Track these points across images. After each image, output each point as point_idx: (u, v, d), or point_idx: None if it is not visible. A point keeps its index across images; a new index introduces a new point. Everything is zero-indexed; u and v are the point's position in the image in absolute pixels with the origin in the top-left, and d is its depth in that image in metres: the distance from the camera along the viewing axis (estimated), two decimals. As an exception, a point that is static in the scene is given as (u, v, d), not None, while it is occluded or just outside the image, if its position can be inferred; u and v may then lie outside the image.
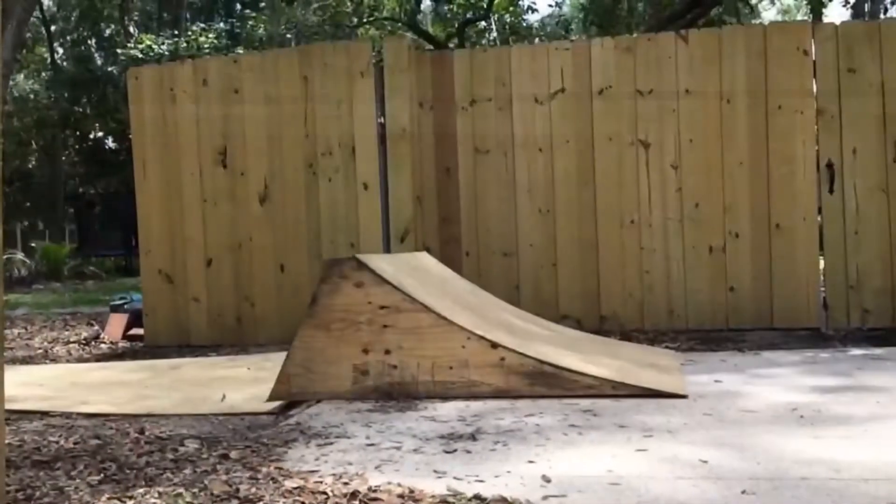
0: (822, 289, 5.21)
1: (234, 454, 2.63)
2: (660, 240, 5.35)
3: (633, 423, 2.85)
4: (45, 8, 23.48)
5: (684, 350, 4.54)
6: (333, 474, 2.38)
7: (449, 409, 3.18)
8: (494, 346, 3.37)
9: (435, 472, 2.38)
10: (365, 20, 16.84)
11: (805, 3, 14.28)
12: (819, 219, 5.25)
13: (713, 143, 5.27)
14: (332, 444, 2.74)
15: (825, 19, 12.70)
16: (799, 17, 25.05)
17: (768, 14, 27.02)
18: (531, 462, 2.43)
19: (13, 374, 4.38)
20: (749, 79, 5.21)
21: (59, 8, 25.03)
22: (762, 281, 5.20)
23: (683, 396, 3.23)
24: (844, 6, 12.96)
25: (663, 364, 3.88)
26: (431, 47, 14.06)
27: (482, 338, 3.38)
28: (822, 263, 5.21)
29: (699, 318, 5.28)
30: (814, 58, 5.14)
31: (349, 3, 16.07)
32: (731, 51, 5.24)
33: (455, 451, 2.59)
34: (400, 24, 16.17)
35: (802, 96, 5.15)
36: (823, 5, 12.67)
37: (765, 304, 5.19)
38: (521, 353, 3.37)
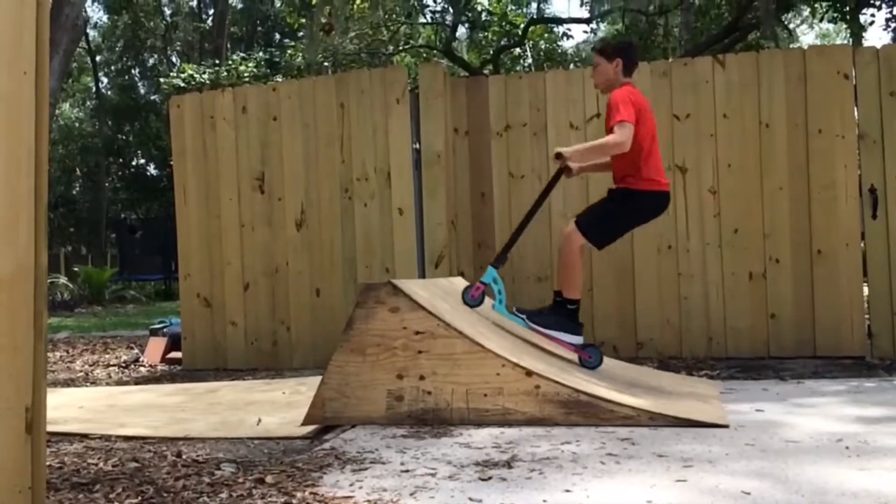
0: (867, 316, 5.08)
1: (269, 479, 2.63)
2: (698, 266, 5.28)
3: (672, 452, 2.80)
4: (90, 39, 24.19)
5: (724, 378, 4.45)
6: (368, 500, 2.36)
7: (484, 436, 3.15)
8: (529, 373, 3.34)
9: (470, 499, 2.35)
10: (401, 48, 17.05)
11: (844, 27, 14.14)
12: (862, 245, 5.14)
13: (752, 168, 5.21)
14: (366, 469, 2.73)
15: (865, 43, 12.55)
16: (838, 42, 24.78)
17: (807, 38, 26.78)
18: (568, 491, 2.40)
19: (55, 397, 4.46)
20: (788, 103, 5.16)
21: (104, 39, 25.77)
22: (804, 308, 5.09)
23: (724, 426, 3.16)
24: (885, 29, 12.78)
25: (702, 393, 3.81)
26: (467, 74, 14.17)
27: (517, 365, 3.36)
28: (865, 290, 5.09)
29: (739, 345, 5.19)
30: (854, 82, 5.07)
31: (386, 32, 16.30)
32: (769, 75, 5.19)
33: (490, 478, 2.56)
34: (435, 52, 16.33)
35: (843, 121, 5.08)
36: (864, 29, 12.53)
37: (807, 331, 5.08)
38: (556, 382, 3.33)
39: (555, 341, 3.94)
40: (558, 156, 3.96)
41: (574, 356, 3.93)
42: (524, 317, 4.00)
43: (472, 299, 4.07)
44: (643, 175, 3.93)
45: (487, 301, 4.46)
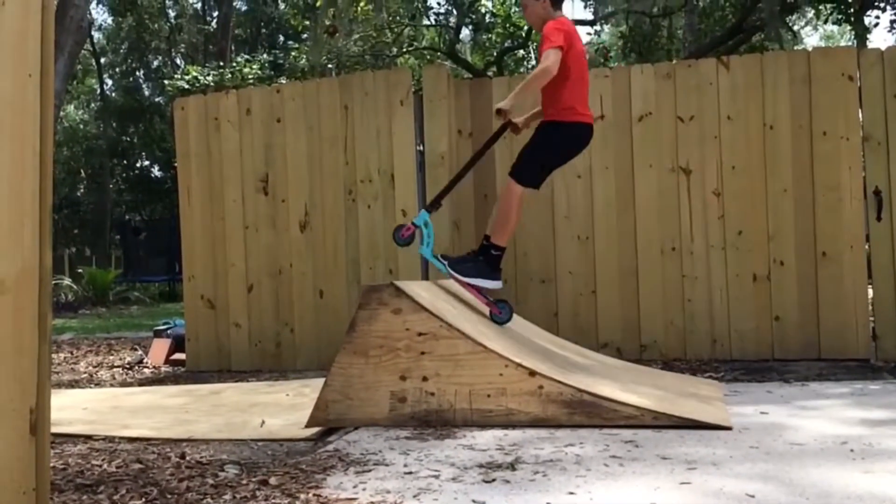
0: (871, 318, 5.07)
1: (273, 480, 2.63)
2: (702, 268, 5.27)
3: (676, 454, 2.79)
4: (95, 41, 24.25)
5: (728, 381, 4.45)
6: (371, 502, 2.36)
7: (487, 438, 3.15)
8: (532, 374, 3.34)
9: (473, 501, 2.35)
10: (405, 50, 17.07)
11: (849, 28, 14.12)
12: (867, 247, 5.13)
13: (756, 170, 5.21)
14: (370, 471, 2.73)
15: (869, 45, 12.53)
16: (842, 43, 24.75)
17: (811, 40, 26.75)
18: (571, 493, 2.39)
19: (59, 398, 4.47)
20: (792, 105, 5.15)
21: (108, 41, 25.84)
22: (808, 310, 5.08)
23: (728, 428, 3.15)
24: (890, 31, 12.76)
25: (705, 394, 3.80)
26: (470, 76, 14.18)
27: (520, 365, 3.36)
28: (870, 292, 5.08)
29: (743, 347, 5.18)
30: (859, 83, 5.06)
31: (389, 34, 16.31)
32: (773, 77, 5.19)
33: (494, 480, 2.56)
34: (439, 54, 16.34)
35: (848, 123, 5.07)
36: (868, 30, 12.52)
37: (811, 333, 5.07)
38: (559, 382, 3.33)
39: (472, 291, 4.02)
40: (499, 111, 3.99)
41: (488, 310, 4.00)
42: (446, 263, 4.08)
43: (401, 238, 4.17)
44: (565, 105, 3.99)
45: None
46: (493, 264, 4.04)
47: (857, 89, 5.07)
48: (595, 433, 3.15)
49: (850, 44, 19.39)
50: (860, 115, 5.08)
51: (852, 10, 12.17)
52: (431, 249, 4.13)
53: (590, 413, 3.27)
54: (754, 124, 5.22)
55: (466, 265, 4.05)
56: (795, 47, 15.84)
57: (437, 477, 2.62)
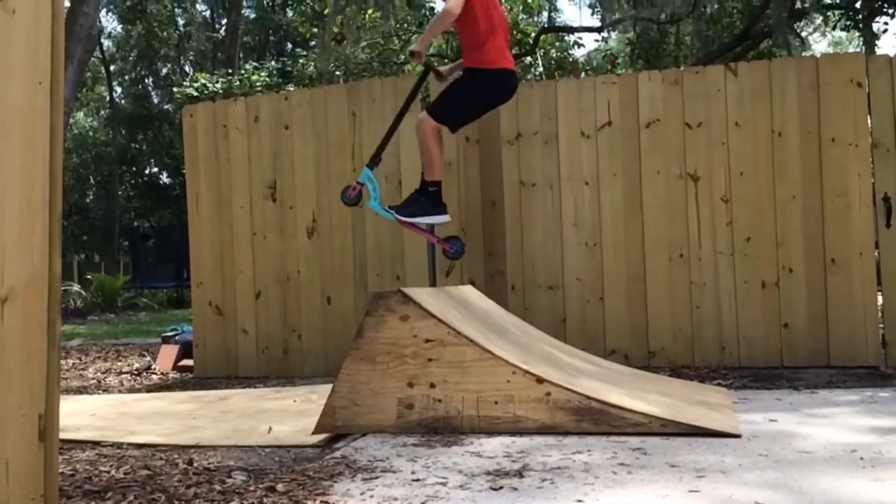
0: (881, 325, 5.04)
1: (280, 487, 2.63)
2: (710, 274, 5.26)
3: (684, 462, 2.78)
4: (104, 49, 24.40)
5: (737, 388, 4.43)
6: (378, 509, 2.36)
7: (495, 445, 3.14)
8: (540, 381, 3.33)
9: (480, 509, 2.34)
10: (412, 57, 17.08)
11: (857, 35, 14.09)
12: (876, 254, 5.11)
13: (764, 177, 5.19)
14: (377, 478, 2.73)
15: (878, 51, 12.50)
16: (851, 50, 24.70)
17: (819, 46, 26.70)
18: (579, 501, 2.39)
19: (67, 404, 4.48)
20: (801, 111, 5.14)
21: (118, 48, 26.00)
22: (817, 317, 5.06)
23: (737, 436, 3.14)
24: (899, 37, 12.72)
25: (714, 402, 3.78)
26: (478, 83, 14.16)
27: (527, 372, 3.35)
28: (879, 299, 5.06)
29: (752, 355, 5.16)
30: (868, 90, 5.05)
31: (397, 41, 16.36)
32: (781, 83, 5.18)
33: (501, 488, 2.55)
34: (446, 61, 16.37)
35: (856, 129, 5.05)
36: (877, 37, 12.48)
37: (820, 341, 5.05)
38: (567, 389, 3.32)
39: (418, 231, 4.25)
40: (412, 53, 4.23)
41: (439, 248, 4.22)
42: (393, 212, 4.28)
43: (349, 199, 4.45)
44: (484, 54, 4.11)
45: (496, 306, 4.46)
46: (434, 200, 4.22)
47: (866, 95, 5.05)
48: (603, 440, 3.14)
49: (858, 50, 19.34)
50: (869, 121, 5.07)
51: (860, 16, 12.14)
52: (379, 202, 4.35)
53: (598, 420, 3.26)
54: (762, 131, 5.21)
55: (411, 208, 4.24)
56: (803, 54, 15.81)
57: (444, 484, 2.62)
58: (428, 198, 4.22)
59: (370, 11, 14.78)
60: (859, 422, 3.39)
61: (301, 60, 16.13)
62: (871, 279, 5.03)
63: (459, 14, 4.05)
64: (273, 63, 16.00)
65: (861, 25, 12.29)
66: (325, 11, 14.47)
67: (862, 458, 2.75)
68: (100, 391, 5.51)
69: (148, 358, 6.84)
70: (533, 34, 15.53)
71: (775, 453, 2.87)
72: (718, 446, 2.99)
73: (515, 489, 2.53)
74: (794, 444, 2.99)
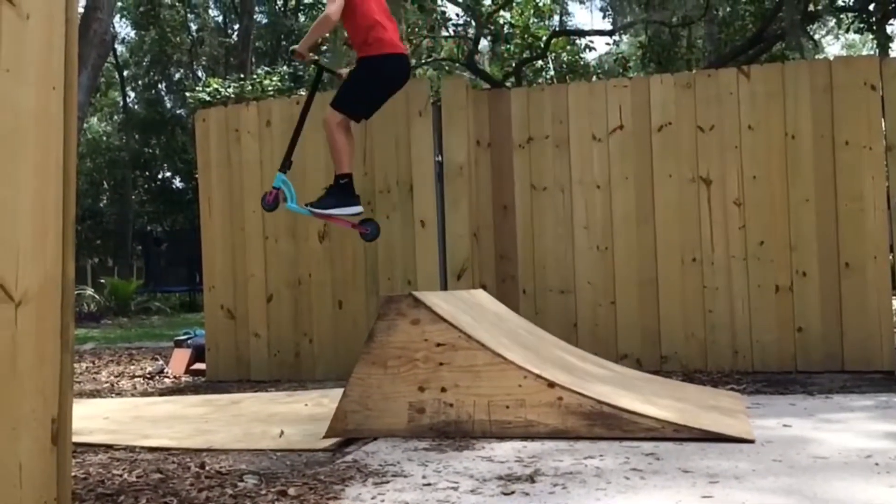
0: (896, 330, 5.00)
1: (291, 491, 2.63)
2: (723, 278, 5.23)
3: (697, 467, 2.76)
4: (118, 54, 24.57)
5: (750, 393, 4.40)
6: (389, 514, 2.36)
7: (506, 450, 3.13)
8: (552, 385, 3.32)
9: (492, 514, 2.33)
10: (423, 61, 17.13)
11: (871, 37, 14.00)
12: (891, 257, 5.06)
13: (778, 180, 5.16)
14: (388, 482, 2.72)
15: (891, 53, 12.41)
16: (864, 52, 24.54)
17: (832, 49, 26.55)
18: (591, 506, 2.37)
19: (80, 408, 4.50)
20: (814, 114, 5.11)
21: (131, 54, 26.16)
22: (832, 322, 5.02)
23: (750, 441, 3.12)
24: (913, 39, 12.64)
25: (727, 407, 3.76)
26: (489, 86, 14.20)
27: (539, 377, 3.34)
28: (895, 303, 5.01)
29: (765, 359, 5.12)
30: (881, 92, 5.01)
31: (408, 45, 16.38)
32: (794, 86, 5.15)
33: (513, 492, 2.54)
34: (458, 65, 16.39)
35: (870, 132, 5.02)
36: (890, 39, 12.41)
37: (835, 345, 5.01)
38: (579, 393, 3.31)
39: (335, 220, 4.42)
40: (295, 53, 4.49)
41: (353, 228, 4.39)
42: (309, 208, 4.46)
43: (268, 205, 4.67)
44: (372, 43, 4.31)
45: (507, 310, 4.45)
46: (346, 192, 4.40)
47: (880, 98, 5.02)
48: (615, 445, 3.12)
49: (871, 53, 19.21)
50: (882, 124, 5.03)
51: (874, 18, 12.07)
52: (295, 202, 4.54)
53: (610, 425, 3.24)
54: (775, 134, 5.18)
55: (323, 201, 4.42)
56: (816, 56, 15.73)
57: (455, 489, 2.61)
58: (340, 190, 4.40)
59: (381, 16, 14.78)
60: (874, 427, 3.36)
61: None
62: (886, 283, 4.98)
63: (344, 12, 4.31)
64: (285, 68, 16.05)
65: (875, 28, 12.22)
66: (337, 16, 14.48)
67: (877, 464, 2.73)
68: (113, 395, 5.54)
69: (160, 361, 6.87)
70: (544, 38, 15.52)
71: (789, 459, 2.85)
72: (732, 452, 2.97)
73: (527, 494, 2.52)
74: (808, 450, 2.97)
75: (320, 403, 4.40)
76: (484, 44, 17.56)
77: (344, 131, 4.44)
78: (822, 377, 4.82)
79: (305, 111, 4.70)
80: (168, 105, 25.51)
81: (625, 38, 19.15)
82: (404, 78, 4.59)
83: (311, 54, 4.62)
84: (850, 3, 12.76)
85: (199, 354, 6.32)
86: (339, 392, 3.67)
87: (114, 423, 4.10)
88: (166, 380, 6.16)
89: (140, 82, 26.16)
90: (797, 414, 3.69)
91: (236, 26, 23.31)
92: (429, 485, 2.67)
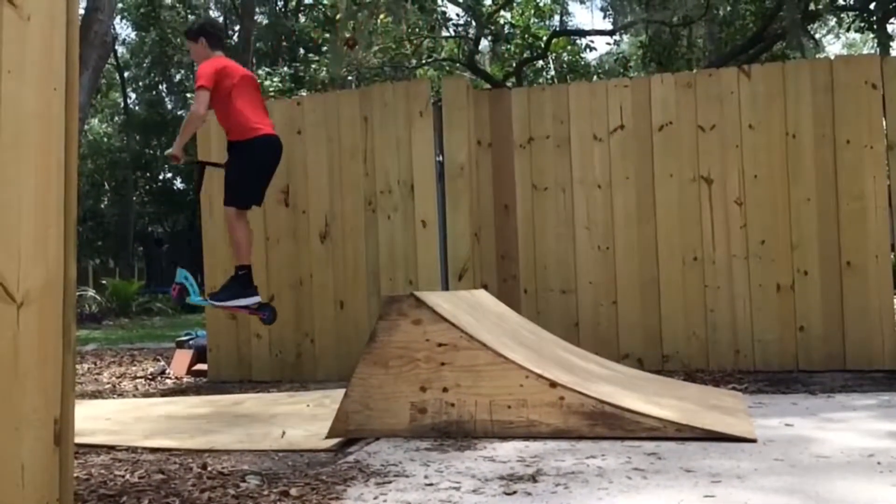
0: (898, 329, 5.00)
1: (293, 491, 2.63)
2: (724, 277, 5.23)
3: (699, 467, 2.76)
4: (119, 55, 24.58)
5: (752, 392, 4.40)
6: (391, 514, 2.36)
7: (508, 449, 3.13)
8: (553, 384, 3.32)
9: (494, 513, 2.33)
10: (424, 61, 17.13)
11: (872, 36, 13.99)
12: (892, 256, 5.06)
13: (779, 179, 5.16)
14: (390, 482, 2.72)
15: (892, 52, 12.41)
16: (865, 51, 24.53)
17: (833, 48, 26.54)
18: (593, 506, 2.37)
19: (82, 409, 4.51)
20: (815, 113, 5.11)
21: (132, 55, 26.18)
22: (833, 321, 5.02)
23: (752, 440, 3.11)
24: (914, 38, 12.63)
25: (729, 406, 3.76)
26: (489, 86, 14.20)
27: (541, 376, 3.34)
28: (896, 302, 5.01)
29: (767, 358, 5.12)
30: (882, 91, 5.01)
31: (409, 46, 16.39)
32: (795, 85, 5.15)
33: (515, 492, 2.54)
34: (458, 65, 16.39)
35: (872, 131, 5.02)
36: (891, 38, 12.40)
37: (836, 344, 5.01)
38: (580, 393, 3.31)
39: (234, 310, 4.50)
40: (171, 157, 4.65)
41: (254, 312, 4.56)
42: (210, 300, 4.60)
43: (176, 300, 4.86)
44: (241, 127, 4.44)
45: (508, 310, 4.45)
46: (244, 283, 4.52)
47: (881, 97, 5.02)
48: (617, 445, 3.12)
49: (872, 52, 19.20)
50: (884, 123, 5.03)
51: (875, 17, 12.07)
52: (197, 294, 4.69)
53: (611, 425, 3.24)
54: (776, 133, 5.18)
55: (222, 294, 4.54)
56: (817, 55, 15.72)
57: (457, 489, 2.61)
58: (238, 281, 4.52)
59: (381, 16, 14.82)
60: (876, 426, 3.36)
61: (313, 66, 16.19)
62: (888, 282, 4.98)
63: (213, 102, 4.51)
64: (286, 68, 16.06)
65: (875, 27, 12.21)
66: (337, 17, 14.52)
67: (879, 463, 2.73)
68: (114, 396, 5.54)
69: (162, 362, 6.87)
70: (545, 38, 15.53)
71: (791, 458, 2.85)
72: (734, 451, 2.96)
73: (529, 494, 2.52)
74: (810, 449, 2.97)
75: (322, 404, 4.40)
76: (484, 44, 17.56)
77: (242, 223, 4.55)
78: (823, 376, 4.82)
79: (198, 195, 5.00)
80: (169, 106, 25.54)
81: (625, 37, 19.15)
82: (277, 155, 4.77)
83: (185, 155, 4.83)
84: (851, 2, 12.76)
85: (200, 355, 6.32)
86: (340, 392, 3.67)
87: (116, 424, 4.10)
88: (168, 381, 6.16)
89: (141, 83, 26.18)
90: (799, 413, 3.69)
91: (237, 27, 23.31)
92: (431, 485, 2.67)
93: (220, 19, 25.44)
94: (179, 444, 3.50)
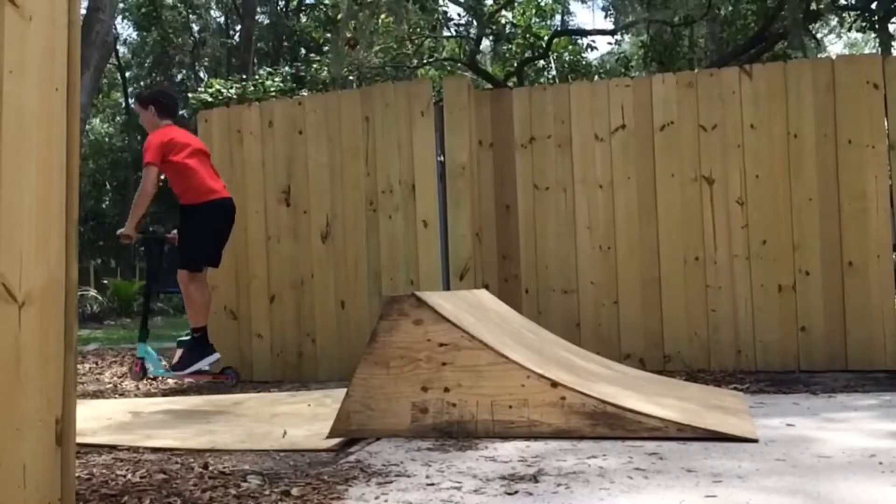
0: (900, 329, 4.99)
1: (295, 491, 2.63)
2: (726, 277, 5.22)
3: (701, 467, 2.76)
4: (120, 55, 24.59)
5: (753, 392, 4.39)
6: (393, 514, 2.36)
7: (509, 449, 3.13)
8: (555, 384, 3.32)
9: (495, 513, 2.33)
10: (425, 61, 17.14)
11: (873, 36, 13.98)
12: (894, 256, 5.06)
13: (780, 179, 5.16)
14: (391, 482, 2.72)
15: (894, 52, 12.40)
16: (867, 51, 24.51)
17: (835, 48, 26.54)
18: (594, 506, 2.37)
19: (84, 408, 4.51)
20: (817, 113, 5.10)
21: (133, 55, 26.20)
22: (835, 321, 5.02)
23: (754, 441, 3.11)
24: (915, 38, 12.62)
25: (730, 406, 3.76)
26: (491, 86, 14.20)
27: (542, 376, 3.34)
28: (898, 302, 5.01)
29: (768, 359, 5.12)
30: (884, 91, 5.01)
31: (410, 46, 16.39)
32: (797, 85, 5.15)
33: (516, 492, 2.54)
34: (460, 65, 16.40)
35: (873, 131, 5.01)
36: (893, 38, 12.39)
37: (838, 344, 5.00)
38: (582, 393, 3.31)
39: (199, 376, 4.52)
40: (122, 237, 4.80)
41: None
42: (172, 371, 4.67)
43: (138, 375, 5.00)
44: (192, 193, 4.57)
45: (510, 310, 4.45)
46: (202, 345, 4.59)
47: (883, 97, 5.02)
48: (618, 445, 3.12)
49: (874, 51, 19.19)
50: (885, 123, 5.02)
51: (876, 17, 12.06)
52: (160, 368, 4.74)
53: (613, 425, 3.24)
54: (778, 133, 5.18)
55: (182, 361, 4.57)
56: (819, 55, 15.70)
57: (459, 489, 2.61)
58: (196, 344, 4.59)
59: (383, 16, 14.83)
60: (878, 426, 3.35)
61: (314, 65, 16.19)
62: (890, 282, 4.98)
63: (165, 171, 4.63)
64: (287, 68, 16.07)
65: (877, 27, 12.20)
66: (338, 17, 14.53)
67: (881, 463, 2.72)
68: (116, 395, 5.54)
69: (164, 362, 6.87)
70: (546, 37, 15.53)
71: (793, 458, 2.85)
72: (735, 451, 2.96)
73: (530, 494, 2.52)
74: (812, 449, 2.97)
75: (323, 404, 4.41)
76: (486, 44, 17.57)
77: (197, 285, 4.61)
78: (825, 376, 4.81)
79: (149, 289, 5.32)
80: (170, 106, 25.50)
81: (626, 37, 19.15)
82: (231, 217, 4.90)
83: (138, 233, 4.98)
84: (853, 2, 12.75)
85: (202, 355, 6.32)
86: (341, 392, 3.67)
87: (117, 424, 4.10)
88: (169, 381, 6.16)
89: (142, 83, 26.18)
90: (801, 413, 3.68)
91: (238, 27, 23.33)
92: (432, 485, 2.67)
93: (221, 19, 25.46)
94: (181, 444, 3.50)
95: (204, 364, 4.48)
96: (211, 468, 3.02)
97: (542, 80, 16.69)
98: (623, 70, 16.55)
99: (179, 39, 24.47)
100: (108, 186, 25.65)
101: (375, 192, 5.68)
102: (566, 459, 2.94)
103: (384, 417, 3.45)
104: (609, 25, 16.62)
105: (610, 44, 16.91)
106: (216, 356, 4.54)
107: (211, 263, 4.82)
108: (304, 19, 22.84)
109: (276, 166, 5.95)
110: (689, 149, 5.33)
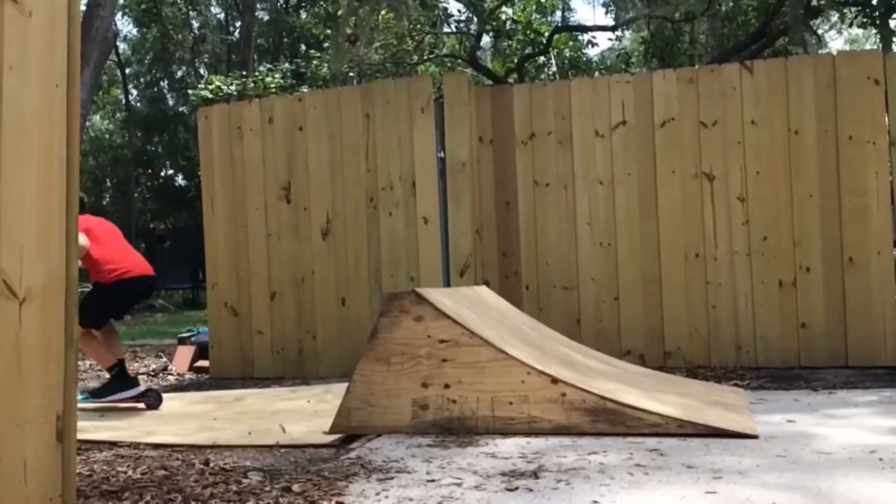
0: (900, 325, 4.99)
1: (295, 487, 2.64)
2: (726, 274, 5.22)
3: (701, 463, 2.76)
4: (120, 52, 24.57)
5: (754, 388, 4.39)
6: (393, 510, 2.36)
7: (510, 446, 3.13)
8: (555, 381, 3.32)
9: (496, 510, 2.34)
10: (426, 58, 17.11)
11: (874, 32, 13.96)
12: (895, 252, 5.06)
13: (781, 175, 5.15)
14: (392, 478, 2.73)
15: (895, 48, 12.37)
16: (868, 47, 24.47)
17: (835, 44, 26.48)
18: (595, 502, 2.37)
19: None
20: (817, 109, 5.10)
21: (133, 51, 26.17)
22: (835, 317, 5.02)
23: (754, 437, 3.11)
24: (916, 34, 12.59)
25: (731, 402, 3.76)
26: (491, 83, 14.18)
27: (542, 373, 3.34)
28: (899, 299, 5.00)
29: (769, 355, 5.12)
30: (885, 87, 5.00)
31: (410, 42, 16.36)
32: (798, 81, 5.14)
33: (517, 488, 2.54)
34: (460, 61, 16.37)
35: (874, 127, 5.01)
36: (894, 33, 12.37)
37: (838, 341, 5.00)
38: (582, 389, 3.31)
39: (117, 402, 4.56)
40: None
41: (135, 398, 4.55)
42: (89, 396, 4.65)
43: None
44: (102, 274, 4.63)
45: (510, 307, 4.45)
46: (120, 377, 4.60)
47: (884, 93, 5.01)
48: (619, 441, 3.12)
49: (875, 47, 19.16)
50: (886, 119, 5.02)
51: (877, 13, 12.04)
52: (81, 396, 4.65)
53: (613, 421, 3.24)
54: (779, 129, 5.17)
55: (104, 391, 4.62)
56: (820, 51, 15.68)
57: (459, 485, 2.61)
58: (116, 378, 4.61)
59: (383, 12, 14.80)
60: (878, 422, 3.36)
61: (315, 62, 16.16)
62: (890, 278, 4.98)
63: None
64: (287, 65, 16.04)
65: (878, 22, 12.18)
66: (338, 13, 14.50)
67: (881, 459, 2.73)
68: (117, 392, 5.53)
69: (164, 359, 6.88)
70: (546, 34, 15.50)
71: (793, 454, 2.85)
72: (736, 447, 2.96)
73: (531, 490, 2.52)
74: (812, 445, 2.97)
75: (324, 400, 4.41)
76: (486, 40, 17.54)
77: (91, 337, 4.62)
78: (825, 373, 4.81)
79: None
80: (170, 102, 25.51)
81: (627, 33, 19.11)
82: (139, 293, 4.94)
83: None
84: (854, -2, 12.72)
85: (202, 352, 6.33)
86: (342, 388, 3.67)
87: (118, 420, 4.11)
88: (170, 377, 6.17)
89: (142, 80, 26.16)
90: (801, 409, 3.69)
91: (238, 23, 23.29)
92: (432, 481, 2.67)
93: (221, 15, 25.43)
94: (181, 441, 3.51)
95: (125, 395, 4.59)
96: (212, 464, 3.02)
97: (542, 76, 16.66)
98: (624, 66, 16.52)
99: (179, 36, 24.42)
100: (108, 183, 25.63)
101: (376, 189, 5.67)
102: (566, 456, 2.94)
103: (385, 414, 3.45)
104: (610, 21, 16.61)
105: (610, 40, 16.88)
106: (139, 389, 4.64)
107: (106, 325, 4.89)
108: (304, 15, 22.80)
109: (276, 163, 5.94)
110: (689, 145, 5.33)
